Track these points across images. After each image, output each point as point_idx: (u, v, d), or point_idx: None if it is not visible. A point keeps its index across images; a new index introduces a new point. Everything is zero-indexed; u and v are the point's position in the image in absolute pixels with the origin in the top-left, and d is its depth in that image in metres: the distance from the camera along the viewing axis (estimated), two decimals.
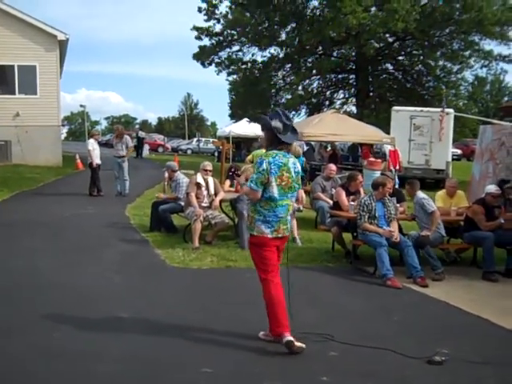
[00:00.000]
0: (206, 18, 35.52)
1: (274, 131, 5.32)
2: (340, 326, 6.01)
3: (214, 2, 35.08)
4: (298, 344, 5.19)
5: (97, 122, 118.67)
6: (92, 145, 16.87)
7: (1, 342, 5.26)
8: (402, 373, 4.89)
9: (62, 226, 11.81)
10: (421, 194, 8.92)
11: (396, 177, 17.05)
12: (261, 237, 5.36)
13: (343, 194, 10.02)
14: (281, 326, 5.28)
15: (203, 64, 36.72)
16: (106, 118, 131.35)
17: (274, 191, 5.29)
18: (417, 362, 5.03)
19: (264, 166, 5.25)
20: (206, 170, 10.34)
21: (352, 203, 9.37)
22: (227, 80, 40.27)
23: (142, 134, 40.09)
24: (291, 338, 5.18)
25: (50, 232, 11.09)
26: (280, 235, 5.42)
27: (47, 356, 4.97)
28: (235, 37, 35.39)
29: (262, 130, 5.53)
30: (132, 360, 4.94)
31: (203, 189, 10.21)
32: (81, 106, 75.54)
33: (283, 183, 5.33)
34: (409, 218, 9.42)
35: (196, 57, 36.65)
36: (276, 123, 5.31)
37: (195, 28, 36.02)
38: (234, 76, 39.23)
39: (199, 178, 10.24)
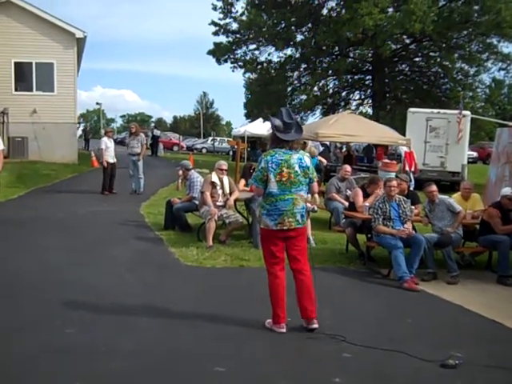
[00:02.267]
0: (221, 16, 35.60)
1: (274, 130, 5.60)
2: (353, 327, 5.99)
3: (230, 1, 35.12)
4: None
5: (112, 120, 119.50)
6: (105, 143, 16.86)
7: (14, 339, 5.29)
8: (415, 376, 4.86)
9: (77, 223, 11.88)
10: (444, 196, 8.96)
11: (413, 178, 16.99)
12: (266, 229, 5.73)
13: (360, 194, 9.98)
14: (276, 317, 5.67)
15: (218, 60, 36.77)
16: (122, 116, 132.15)
17: (273, 187, 5.61)
18: (430, 365, 5.00)
19: (262, 164, 5.62)
20: (221, 170, 10.33)
21: (366, 204, 9.34)
22: (243, 78, 40.37)
23: (157, 132, 40.22)
24: (282, 331, 5.65)
25: (65, 229, 11.15)
26: (285, 227, 5.65)
27: (60, 352, 4.98)
28: (251, 36, 35.39)
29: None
30: (144, 357, 4.95)
31: (218, 188, 10.22)
32: (97, 103, 75.94)
33: (283, 179, 5.60)
34: (425, 221, 9.30)
35: (211, 53, 36.71)
36: (275, 121, 5.58)
37: (213, 23, 36.09)
38: (250, 75, 39.30)
39: (214, 177, 10.24)
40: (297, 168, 5.62)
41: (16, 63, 25.39)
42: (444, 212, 8.78)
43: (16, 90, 25.57)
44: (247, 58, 36.65)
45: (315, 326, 5.69)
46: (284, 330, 5.65)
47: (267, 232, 5.72)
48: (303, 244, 5.85)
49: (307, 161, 5.70)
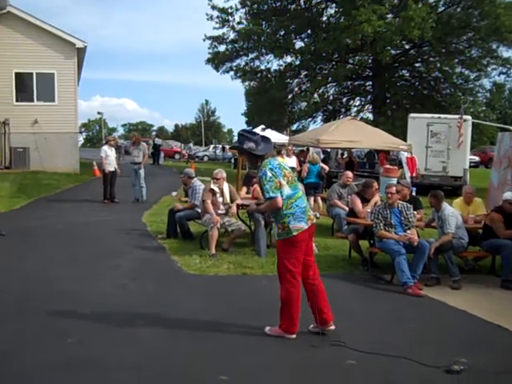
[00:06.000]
0: (218, 25, 35.46)
1: (250, 151, 5.83)
2: (357, 333, 5.98)
3: (228, 10, 35.03)
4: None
5: (114, 129, 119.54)
6: (105, 152, 16.93)
7: (17, 351, 5.28)
8: (420, 382, 4.85)
9: (79, 232, 11.88)
10: (448, 210, 8.65)
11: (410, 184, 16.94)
12: (300, 233, 5.74)
13: (358, 201, 10.00)
14: (292, 326, 5.75)
15: (217, 69, 36.74)
16: (123, 125, 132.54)
17: (287, 189, 5.77)
18: (435, 371, 4.98)
19: (269, 173, 5.71)
20: (217, 179, 10.27)
21: (368, 210, 9.34)
22: (243, 86, 40.41)
23: (158, 140, 40.27)
24: (293, 337, 5.76)
25: (67, 238, 11.15)
26: (314, 221, 5.94)
27: (62, 364, 4.97)
28: (251, 45, 35.36)
29: (242, 155, 6.22)
30: (147, 367, 4.94)
31: (218, 196, 10.20)
32: (98, 113, 76.07)
33: (290, 179, 5.84)
34: (422, 226, 9.30)
35: (210, 61, 36.69)
36: (248, 144, 5.83)
37: (208, 37, 35.99)
38: (250, 83, 39.31)
39: (213, 185, 10.21)
40: (288, 169, 5.99)
41: (17, 74, 25.47)
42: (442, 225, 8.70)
43: (17, 100, 25.63)
44: (247, 68, 36.58)
45: (333, 326, 5.90)
46: (294, 337, 5.75)
47: (300, 236, 5.72)
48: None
49: (292, 162, 6.18)
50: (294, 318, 5.74)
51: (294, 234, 5.70)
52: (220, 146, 58.57)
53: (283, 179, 5.73)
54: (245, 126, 48.65)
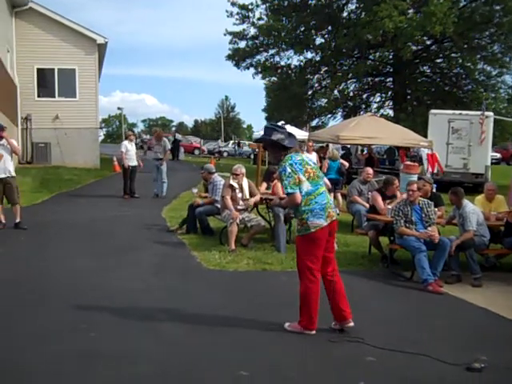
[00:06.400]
0: (238, 21, 35.50)
1: (279, 142, 5.76)
2: (377, 330, 5.96)
3: (248, 6, 35.07)
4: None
5: (134, 125, 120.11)
6: (125, 146, 17.08)
7: (39, 343, 5.33)
8: (440, 379, 4.81)
9: (100, 227, 11.97)
10: (469, 207, 8.57)
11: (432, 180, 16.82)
12: (319, 230, 5.65)
13: (379, 197, 9.95)
14: (311, 322, 5.73)
15: (237, 65, 36.76)
16: (143, 121, 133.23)
17: (307, 185, 5.67)
18: (456, 368, 4.94)
19: (288, 169, 5.66)
20: (236, 175, 10.28)
21: (389, 207, 9.29)
22: (264, 82, 40.39)
23: (178, 136, 40.45)
24: (313, 333, 5.75)
25: (88, 233, 11.25)
26: (334, 218, 5.81)
27: (83, 357, 5.00)
28: (271, 41, 35.33)
29: (267, 148, 6.12)
30: (168, 362, 4.96)
31: (237, 191, 10.21)
32: (118, 108, 76.18)
33: (311, 175, 5.75)
34: (443, 223, 9.26)
35: (230, 57, 36.73)
36: (277, 135, 5.79)
37: (229, 33, 36.05)
38: (270, 78, 39.31)
39: (232, 181, 10.23)
40: (312, 164, 5.93)
41: (38, 69, 25.72)
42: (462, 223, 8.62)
43: (39, 96, 25.91)
44: (267, 63, 36.53)
45: (352, 323, 5.84)
46: (314, 333, 5.75)
47: (319, 233, 5.66)
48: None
49: (313, 159, 6.04)
50: (313, 314, 5.74)
51: (312, 230, 5.64)
52: (236, 141, 58.38)
53: (303, 175, 5.66)
54: (265, 122, 48.63)
